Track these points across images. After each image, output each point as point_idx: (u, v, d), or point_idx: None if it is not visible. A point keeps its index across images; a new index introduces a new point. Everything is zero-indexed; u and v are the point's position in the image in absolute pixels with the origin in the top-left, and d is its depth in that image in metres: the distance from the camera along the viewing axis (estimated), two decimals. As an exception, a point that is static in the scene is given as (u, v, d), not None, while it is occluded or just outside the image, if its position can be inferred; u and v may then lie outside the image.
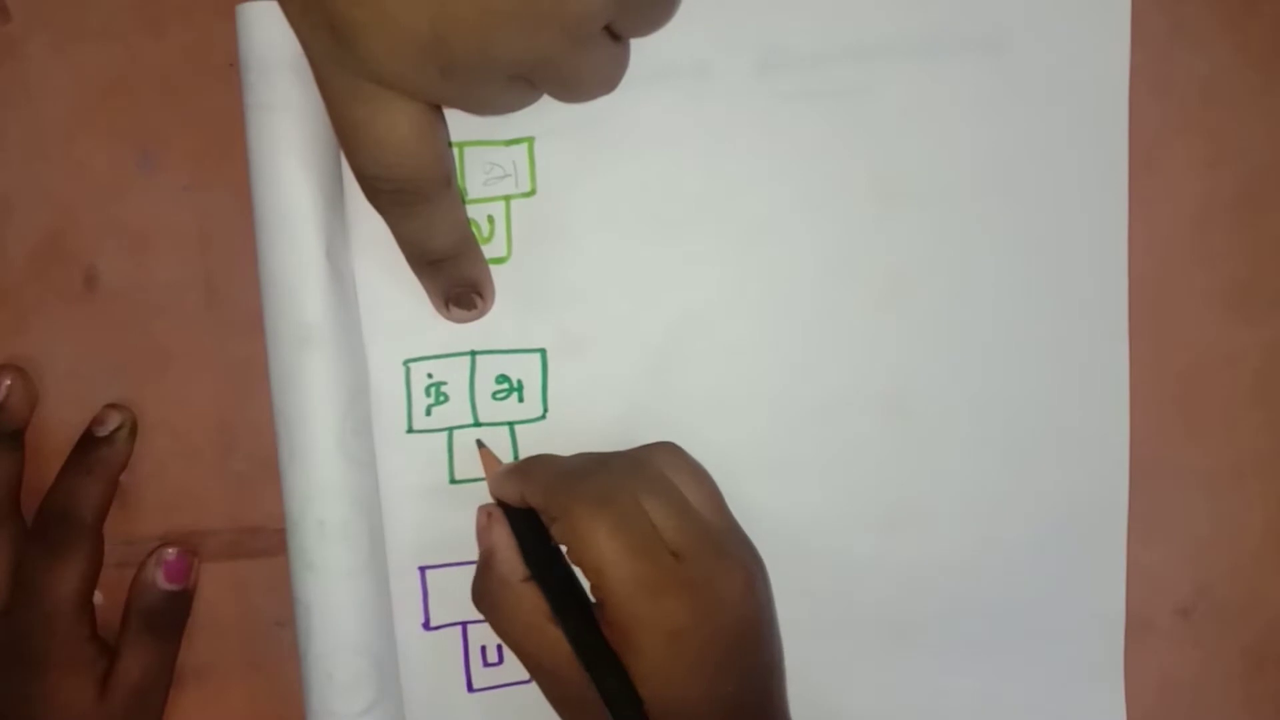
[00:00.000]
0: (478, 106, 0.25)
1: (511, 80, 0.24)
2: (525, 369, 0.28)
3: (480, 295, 0.28)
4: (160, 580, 0.29)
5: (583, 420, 0.28)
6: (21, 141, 0.29)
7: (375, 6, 0.21)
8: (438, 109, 0.24)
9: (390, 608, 0.28)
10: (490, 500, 0.28)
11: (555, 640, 0.25)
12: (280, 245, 0.26)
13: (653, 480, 0.26)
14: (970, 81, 0.28)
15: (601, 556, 0.24)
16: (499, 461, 0.28)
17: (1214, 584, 0.30)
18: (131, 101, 0.29)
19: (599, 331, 0.28)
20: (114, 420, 0.28)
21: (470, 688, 0.29)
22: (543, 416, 0.28)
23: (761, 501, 0.28)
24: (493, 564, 0.26)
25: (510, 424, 0.28)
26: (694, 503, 0.26)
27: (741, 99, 0.28)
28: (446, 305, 0.27)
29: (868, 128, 0.28)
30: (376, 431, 0.28)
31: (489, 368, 0.28)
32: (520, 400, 0.28)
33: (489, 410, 0.28)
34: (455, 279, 0.27)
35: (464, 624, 0.29)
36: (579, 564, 0.25)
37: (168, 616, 0.29)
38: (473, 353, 0.28)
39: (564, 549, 0.26)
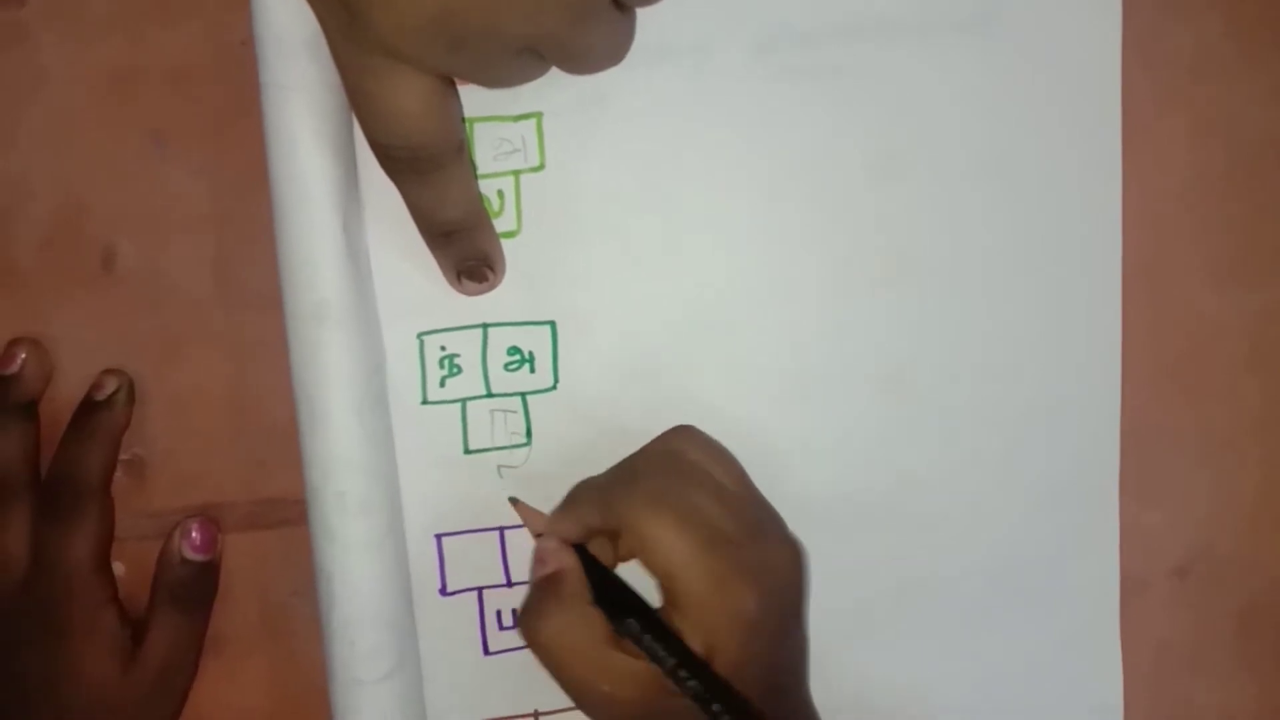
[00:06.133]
0: (487, 79, 0.26)
1: (520, 53, 0.24)
2: (536, 341, 0.29)
3: (491, 268, 0.28)
4: (187, 552, 0.29)
5: (593, 390, 0.29)
6: (39, 126, 0.29)
7: None
8: (449, 81, 0.25)
9: (409, 575, 0.29)
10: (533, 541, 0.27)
11: (619, 664, 0.25)
12: (297, 222, 0.26)
13: (691, 470, 0.26)
14: (965, 59, 0.29)
15: (673, 557, 0.25)
16: (537, 511, 0.28)
17: (1209, 546, 0.31)
18: (145, 84, 0.29)
19: (607, 303, 0.29)
20: (111, 384, 0.29)
21: (486, 651, 0.30)
22: (554, 387, 0.29)
23: (768, 471, 0.29)
24: (560, 588, 0.26)
25: (522, 394, 0.29)
26: (726, 484, 0.27)
27: (741, 78, 0.28)
28: (459, 278, 0.28)
29: (865, 105, 0.29)
30: (392, 403, 0.29)
31: (500, 340, 0.29)
32: (532, 371, 0.29)
33: (501, 381, 0.29)
34: (467, 251, 0.28)
35: (479, 589, 0.29)
36: (651, 569, 0.25)
37: (195, 589, 0.30)
38: (484, 325, 0.29)
39: (632, 560, 0.26)
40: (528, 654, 0.30)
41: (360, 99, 0.24)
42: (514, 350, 0.29)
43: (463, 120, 0.27)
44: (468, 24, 0.23)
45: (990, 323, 0.29)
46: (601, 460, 0.29)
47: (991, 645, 0.30)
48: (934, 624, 0.30)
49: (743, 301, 0.29)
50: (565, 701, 0.30)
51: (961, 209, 0.29)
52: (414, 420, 0.29)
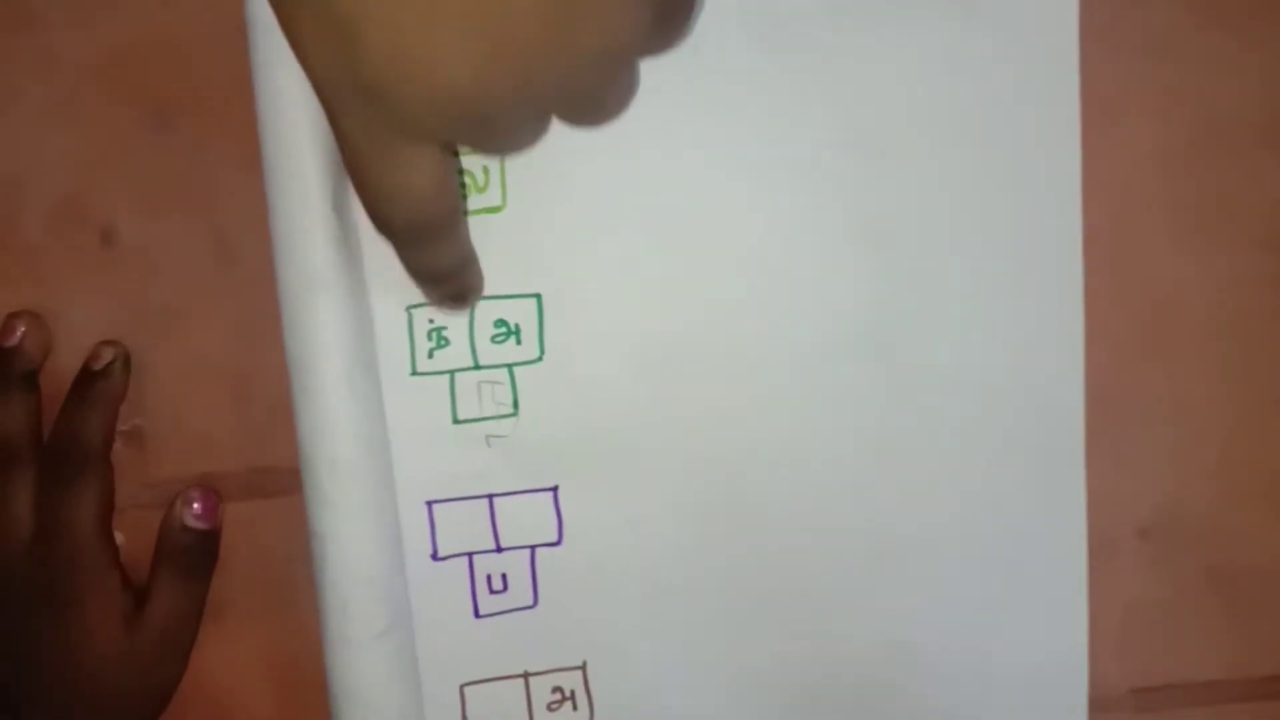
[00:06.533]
0: (502, 146, 0.25)
1: (542, 116, 0.24)
2: (522, 313, 0.30)
3: (475, 294, 0.29)
4: (189, 520, 0.30)
5: (577, 361, 0.30)
6: (40, 106, 0.30)
7: (414, 65, 0.20)
8: (454, 149, 0.24)
9: (400, 540, 0.30)
10: None
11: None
12: (289, 197, 0.27)
13: None
14: (938, 36, 0.29)
15: None
16: None
17: (1175, 506, 0.32)
18: (146, 65, 0.30)
19: (592, 275, 0.30)
20: (108, 354, 0.30)
21: (477, 614, 0.31)
22: (540, 359, 0.30)
23: (744, 433, 0.30)
24: None
25: (509, 366, 0.30)
26: None
27: (725, 56, 0.29)
28: (440, 303, 0.29)
29: (836, 85, 0.29)
30: (382, 375, 0.29)
31: (487, 313, 0.30)
32: (518, 343, 0.30)
33: (488, 353, 0.30)
34: (452, 290, 0.28)
35: (469, 554, 0.30)
36: None
37: (197, 557, 0.31)
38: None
39: None
40: (517, 616, 0.31)
41: (367, 181, 0.23)
42: (500, 323, 0.30)
43: (462, 184, 0.28)
44: (499, 95, 0.21)
45: (955, 291, 0.30)
46: (584, 428, 0.30)
47: (959, 608, 0.31)
48: (901, 587, 0.31)
49: (722, 272, 0.30)
50: (554, 663, 0.31)
51: (927, 181, 0.30)
52: (404, 391, 0.30)
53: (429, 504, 0.30)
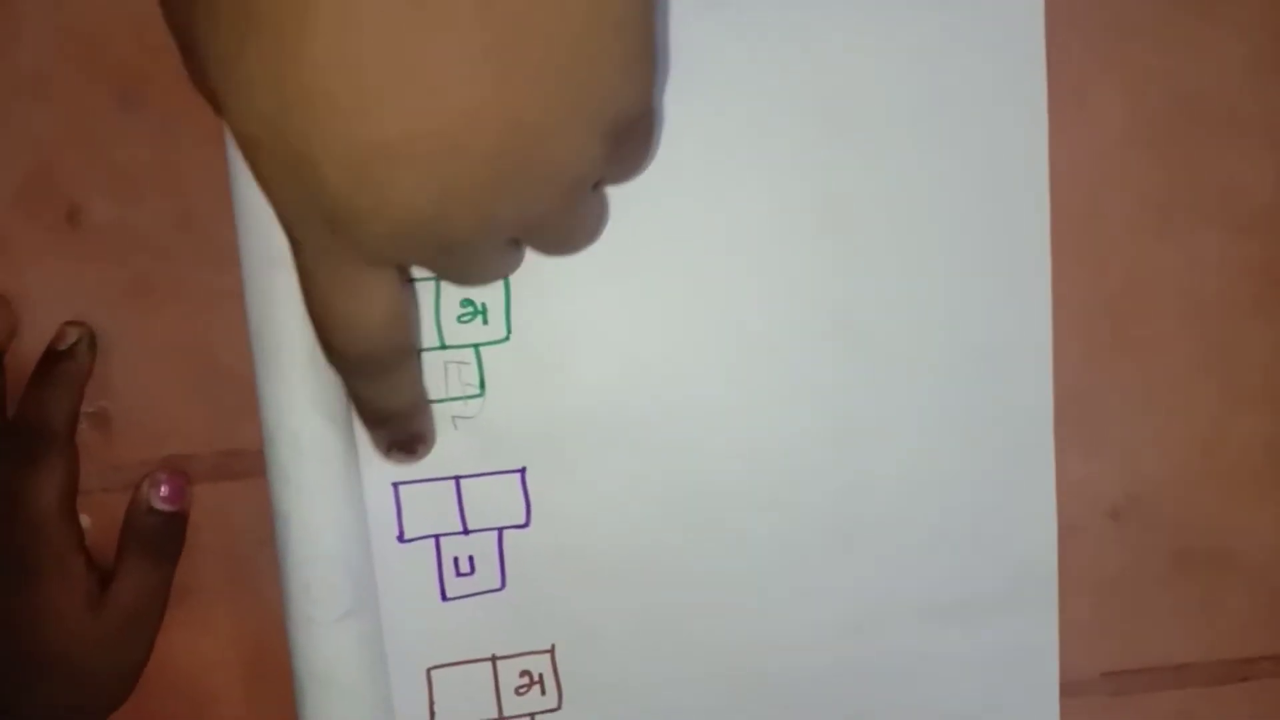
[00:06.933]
0: (465, 276, 0.25)
1: (508, 244, 0.24)
2: (489, 292, 0.30)
3: (423, 443, 0.29)
4: (157, 502, 0.30)
5: (543, 338, 0.30)
6: (8, 84, 0.30)
7: (378, 193, 0.20)
8: (409, 279, 0.25)
9: (365, 520, 0.29)
10: None
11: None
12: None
13: None
14: (904, 20, 0.29)
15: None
16: None
17: (1144, 489, 0.32)
18: (114, 43, 0.30)
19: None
20: (73, 335, 0.30)
21: (444, 596, 0.30)
22: (506, 338, 0.30)
23: (712, 416, 0.30)
24: None
25: (475, 346, 0.30)
26: None
27: (692, 38, 0.29)
28: (389, 450, 0.29)
29: (807, 65, 0.29)
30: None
31: (454, 292, 0.29)
32: (485, 323, 0.30)
33: (455, 333, 0.30)
34: (402, 432, 0.28)
35: (437, 536, 0.30)
36: None
37: (164, 539, 0.31)
38: (437, 278, 0.30)
39: None
40: (484, 599, 0.31)
41: (321, 309, 0.24)
42: (467, 302, 0.30)
43: (416, 315, 0.28)
44: (462, 224, 0.21)
45: (922, 275, 0.30)
46: (552, 409, 0.30)
47: (927, 591, 0.31)
48: (869, 571, 0.31)
49: (688, 255, 0.30)
50: (521, 646, 0.31)
51: (894, 165, 0.30)
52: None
53: (395, 485, 0.30)
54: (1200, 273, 0.31)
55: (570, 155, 0.21)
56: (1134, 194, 0.31)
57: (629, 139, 0.23)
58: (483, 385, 0.30)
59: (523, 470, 0.30)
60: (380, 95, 0.19)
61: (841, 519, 0.31)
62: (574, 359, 0.30)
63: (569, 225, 0.25)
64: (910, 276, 0.30)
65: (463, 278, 0.25)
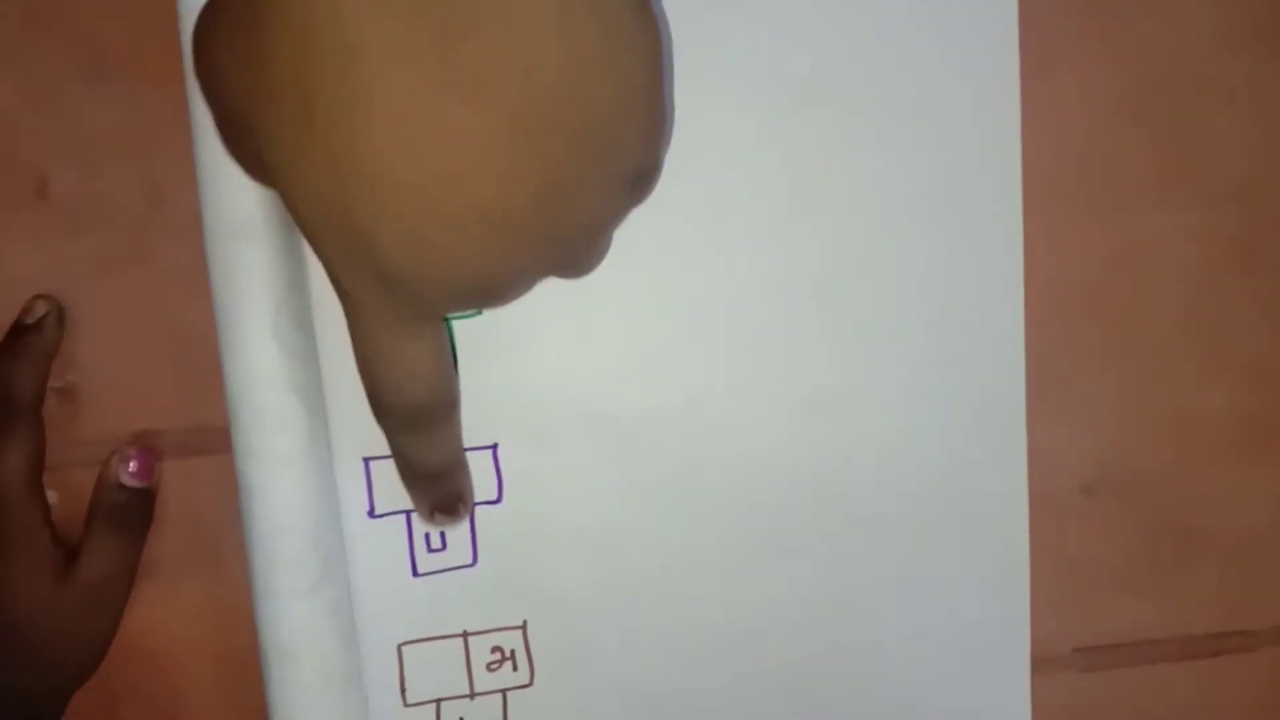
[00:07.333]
0: (496, 305, 0.26)
1: (534, 279, 0.25)
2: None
3: (464, 503, 0.29)
4: (125, 478, 0.30)
5: (516, 316, 0.29)
6: (-29, 54, 0.30)
7: (433, 257, 0.22)
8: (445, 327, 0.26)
9: (334, 494, 0.29)
10: None
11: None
12: (215, 144, 0.27)
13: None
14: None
15: None
16: None
17: (1116, 463, 0.32)
18: (82, 15, 0.30)
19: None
20: (40, 308, 0.30)
21: (415, 572, 0.30)
22: (478, 313, 0.30)
23: (685, 390, 0.30)
24: None
25: (447, 320, 0.30)
26: None
27: (669, 7, 0.29)
28: (431, 514, 0.29)
29: (780, 35, 0.29)
30: (320, 332, 0.29)
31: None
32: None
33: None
34: (445, 492, 0.29)
35: (407, 512, 0.30)
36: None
37: (132, 514, 0.30)
38: None
39: None
40: (455, 574, 0.31)
41: (377, 364, 0.25)
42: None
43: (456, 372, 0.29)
44: (504, 272, 0.23)
45: (893, 246, 0.30)
46: (524, 385, 0.30)
47: (898, 565, 0.31)
48: (841, 545, 0.31)
49: (657, 232, 0.30)
50: (493, 622, 0.31)
51: (866, 136, 0.30)
52: (340, 353, 0.29)
53: (366, 461, 0.30)
54: (1175, 246, 0.31)
55: (599, 207, 0.23)
56: (1108, 167, 0.31)
57: (644, 181, 0.25)
58: (455, 360, 0.30)
59: (494, 446, 0.30)
60: (432, 174, 0.20)
61: (814, 495, 0.31)
62: (546, 334, 0.30)
63: (591, 257, 0.26)
64: (881, 247, 0.30)
65: (486, 307, 0.26)
